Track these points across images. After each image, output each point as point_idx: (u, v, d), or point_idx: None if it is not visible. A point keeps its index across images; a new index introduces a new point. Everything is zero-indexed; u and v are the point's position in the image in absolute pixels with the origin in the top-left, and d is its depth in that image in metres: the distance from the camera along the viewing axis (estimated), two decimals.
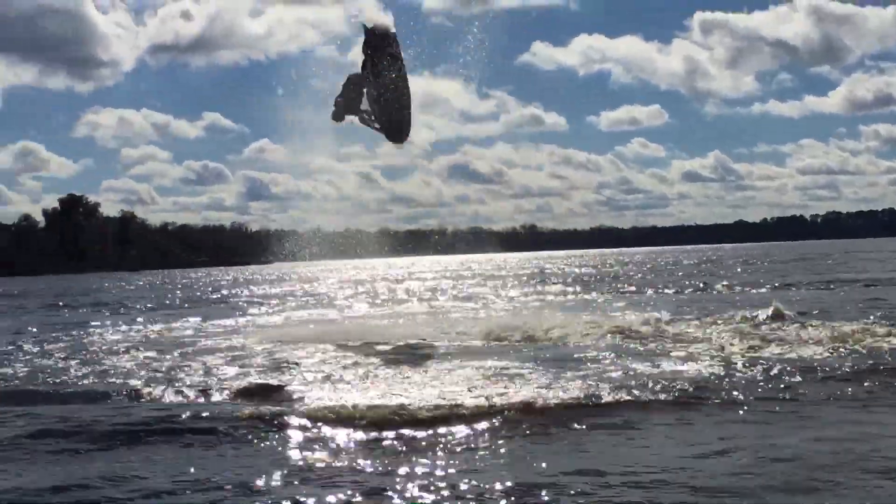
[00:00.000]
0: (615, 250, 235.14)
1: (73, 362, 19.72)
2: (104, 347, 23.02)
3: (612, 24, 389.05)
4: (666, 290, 42.17)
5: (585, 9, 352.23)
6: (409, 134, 24.73)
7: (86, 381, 16.73)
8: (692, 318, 25.18)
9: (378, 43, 23.98)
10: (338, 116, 24.52)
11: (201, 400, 14.20)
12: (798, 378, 14.34)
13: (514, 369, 16.13)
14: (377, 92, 23.95)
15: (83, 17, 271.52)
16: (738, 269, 66.53)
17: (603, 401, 12.80)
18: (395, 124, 24.12)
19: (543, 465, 9.69)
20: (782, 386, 13.78)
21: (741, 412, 12.14)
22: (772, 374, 14.78)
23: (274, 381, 15.53)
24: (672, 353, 17.88)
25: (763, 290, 39.49)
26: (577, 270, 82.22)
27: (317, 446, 10.89)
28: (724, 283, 46.39)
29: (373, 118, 24.24)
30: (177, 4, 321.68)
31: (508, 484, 9.01)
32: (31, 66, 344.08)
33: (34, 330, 29.93)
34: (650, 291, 41.84)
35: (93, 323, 32.80)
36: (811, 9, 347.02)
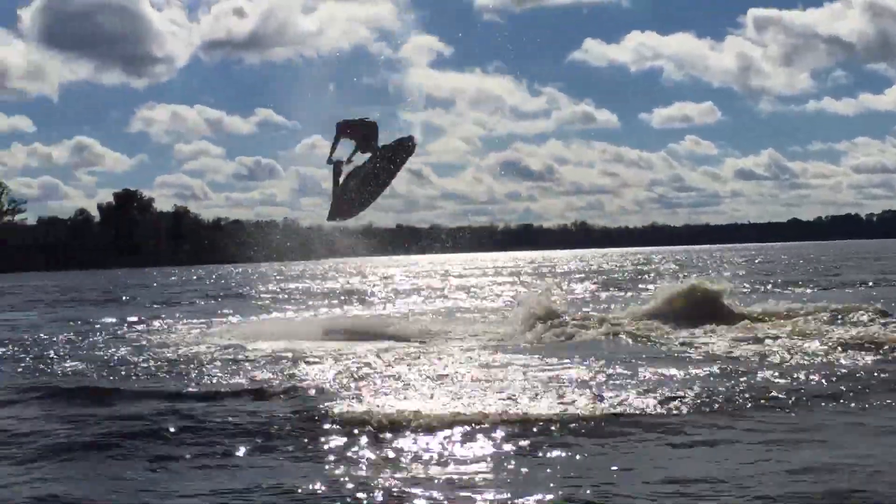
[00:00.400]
0: (670, 248, 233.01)
1: (142, 357, 19.65)
2: (170, 341, 23.03)
3: (664, 21, 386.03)
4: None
5: (637, 6, 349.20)
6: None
7: (157, 378, 16.67)
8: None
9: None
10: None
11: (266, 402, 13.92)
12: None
13: (560, 369, 15.81)
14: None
15: (138, 14, 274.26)
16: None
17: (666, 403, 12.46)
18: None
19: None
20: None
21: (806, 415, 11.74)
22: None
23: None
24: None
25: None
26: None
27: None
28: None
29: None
30: (230, 1, 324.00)
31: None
32: (87, 62, 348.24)
33: (97, 326, 29.98)
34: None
35: (161, 316, 33.05)
36: (867, 5, 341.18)
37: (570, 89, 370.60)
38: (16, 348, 22.47)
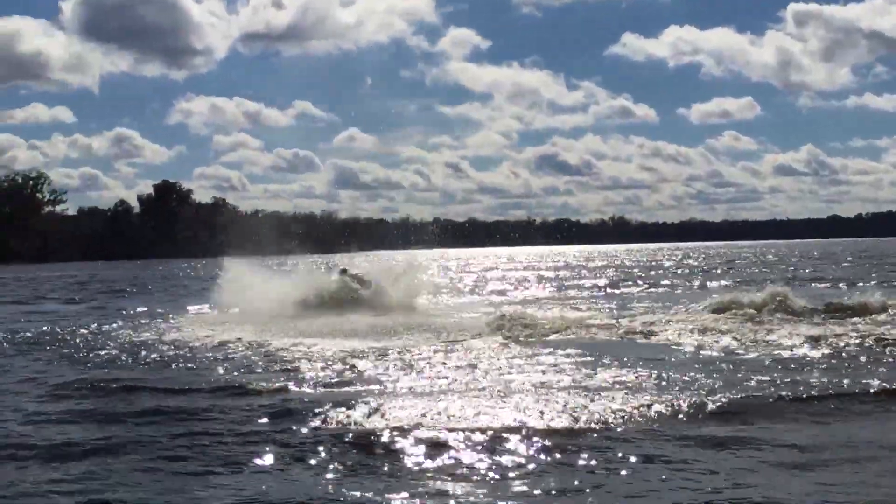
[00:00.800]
0: (707, 243, 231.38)
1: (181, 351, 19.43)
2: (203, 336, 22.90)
3: (703, 15, 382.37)
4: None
5: (676, 0, 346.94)
6: None
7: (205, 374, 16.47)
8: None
9: None
10: None
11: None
12: None
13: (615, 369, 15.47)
14: None
15: (178, 6, 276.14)
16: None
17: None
18: None
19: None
20: None
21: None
22: None
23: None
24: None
25: None
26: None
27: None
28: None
29: None
30: None
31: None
32: (127, 54, 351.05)
33: (132, 317, 29.95)
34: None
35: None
36: None
37: (608, 84, 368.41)
38: (53, 341, 22.44)
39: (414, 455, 9.86)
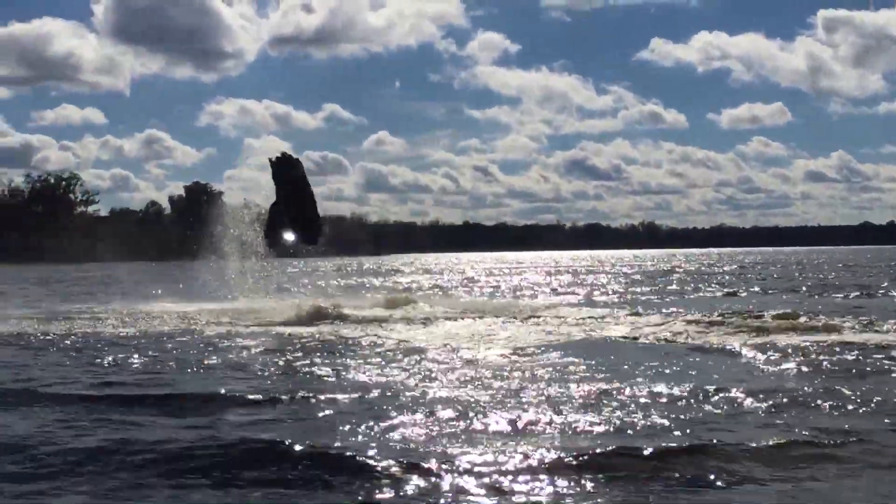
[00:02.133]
0: (740, 249, 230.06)
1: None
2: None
3: (732, 20, 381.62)
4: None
5: (706, 5, 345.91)
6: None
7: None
8: None
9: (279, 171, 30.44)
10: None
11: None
12: None
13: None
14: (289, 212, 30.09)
15: (209, 9, 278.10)
16: None
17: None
18: (308, 235, 30.77)
19: None
20: None
21: None
22: None
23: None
24: None
25: None
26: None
27: None
28: None
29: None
30: None
31: None
32: (159, 56, 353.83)
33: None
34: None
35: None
36: None
37: (637, 89, 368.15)
38: (85, 349, 22.75)
39: None
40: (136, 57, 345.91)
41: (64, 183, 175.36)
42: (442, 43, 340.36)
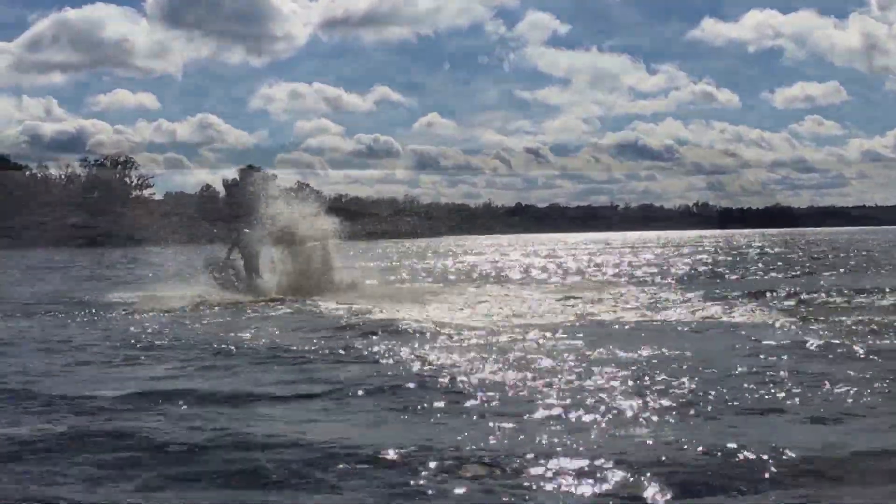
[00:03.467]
0: (796, 230, 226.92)
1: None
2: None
3: None
4: None
5: None
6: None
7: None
8: None
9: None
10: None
11: None
12: None
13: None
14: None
15: None
16: None
17: None
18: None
19: None
20: None
21: None
22: None
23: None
24: None
25: None
26: None
27: None
28: None
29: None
30: None
31: None
32: (210, 40, 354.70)
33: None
34: None
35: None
36: None
37: (688, 68, 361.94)
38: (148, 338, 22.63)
39: None
40: (188, 41, 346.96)
41: (119, 167, 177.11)
42: (491, 24, 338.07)
